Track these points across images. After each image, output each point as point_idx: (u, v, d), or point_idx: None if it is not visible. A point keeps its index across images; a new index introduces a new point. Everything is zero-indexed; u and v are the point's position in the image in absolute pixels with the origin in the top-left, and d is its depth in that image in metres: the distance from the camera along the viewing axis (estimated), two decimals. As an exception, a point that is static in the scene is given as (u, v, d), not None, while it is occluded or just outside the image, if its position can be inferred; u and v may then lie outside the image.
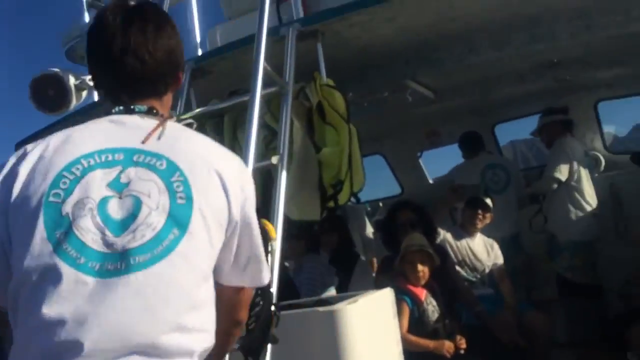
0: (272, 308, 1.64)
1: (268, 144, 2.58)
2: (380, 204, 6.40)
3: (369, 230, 5.39)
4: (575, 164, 4.63)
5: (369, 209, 6.46)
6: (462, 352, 3.10)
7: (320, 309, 2.24)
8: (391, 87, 3.96)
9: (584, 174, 4.69)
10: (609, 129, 5.74)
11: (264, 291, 1.57)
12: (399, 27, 2.92)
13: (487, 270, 4.22)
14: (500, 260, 4.27)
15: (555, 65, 4.31)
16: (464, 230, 4.27)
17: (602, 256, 4.96)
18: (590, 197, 4.71)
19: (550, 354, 3.91)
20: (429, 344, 3.06)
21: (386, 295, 2.56)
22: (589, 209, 4.69)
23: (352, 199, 2.90)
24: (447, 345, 3.05)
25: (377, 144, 6.14)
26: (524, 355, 3.61)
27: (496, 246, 4.31)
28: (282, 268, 4.07)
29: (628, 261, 4.58)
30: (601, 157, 5.41)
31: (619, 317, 3.93)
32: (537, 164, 6.23)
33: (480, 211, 4.22)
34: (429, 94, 4.44)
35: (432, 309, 3.16)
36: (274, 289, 1.79)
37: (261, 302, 1.57)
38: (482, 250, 4.23)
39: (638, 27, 3.25)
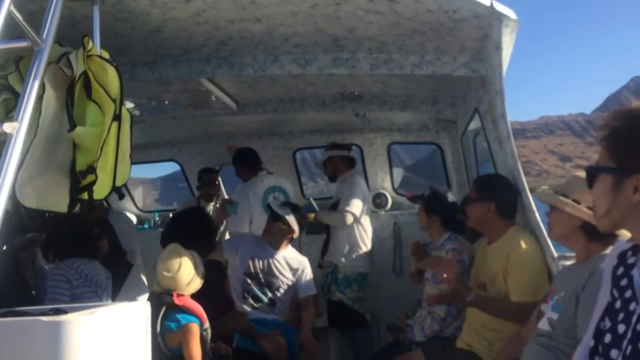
0: None
1: (10, 111, 2.09)
2: (171, 215, 6.00)
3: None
4: (364, 201, 4.86)
5: (157, 218, 6.03)
6: None
7: (44, 318, 1.83)
8: (188, 85, 3.69)
9: (367, 211, 4.96)
10: (398, 171, 6.14)
11: None
12: (197, 13, 2.67)
13: (283, 288, 4.08)
14: (308, 281, 4.18)
15: (355, 98, 4.46)
16: (267, 243, 4.13)
17: (379, 289, 5.21)
18: (370, 233, 4.94)
19: None
20: None
21: (138, 309, 2.22)
22: (370, 243, 4.92)
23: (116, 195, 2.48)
24: None
25: (175, 149, 5.80)
26: None
27: (306, 267, 4.21)
28: (16, 269, 3.52)
29: (401, 297, 4.83)
30: (389, 196, 5.74)
31: (385, 348, 4.03)
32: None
33: (281, 224, 4.10)
34: (231, 103, 4.28)
35: (208, 327, 2.85)
36: None
37: None
38: (285, 267, 4.10)
39: (429, 70, 3.45)
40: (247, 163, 4.99)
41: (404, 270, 5.33)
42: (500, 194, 3.02)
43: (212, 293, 3.16)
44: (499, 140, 3.17)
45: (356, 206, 4.73)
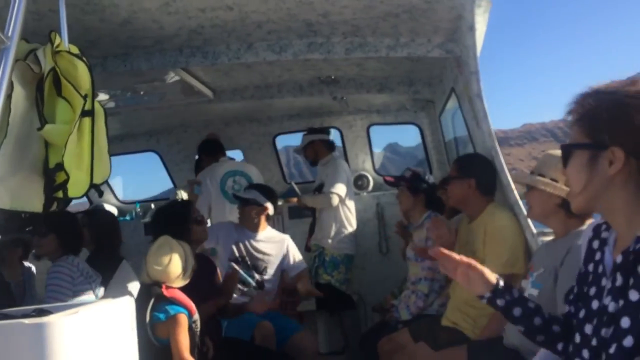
0: None
1: (-23, 111, 2.04)
2: (153, 206, 5.97)
3: None
4: (348, 183, 4.90)
5: (138, 209, 5.98)
6: None
7: (26, 320, 1.81)
8: (163, 75, 3.64)
9: (351, 193, 4.99)
10: (379, 153, 6.16)
11: None
12: (166, 3, 2.62)
13: (271, 268, 4.09)
14: (296, 257, 4.20)
15: (332, 82, 4.44)
16: (245, 227, 4.12)
17: (365, 270, 5.25)
18: (354, 214, 4.98)
19: None
20: None
21: (122, 305, 2.21)
22: (355, 225, 4.96)
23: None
24: None
25: (153, 139, 5.75)
26: None
27: (289, 244, 4.22)
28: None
29: (387, 277, 4.89)
30: (370, 178, 5.76)
31: (372, 329, 4.07)
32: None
33: (254, 207, 4.08)
34: (207, 92, 4.23)
35: (197, 319, 2.86)
36: None
37: None
38: (267, 246, 4.10)
39: (404, 52, 3.45)
40: (210, 151, 4.95)
41: (390, 250, 5.38)
42: (480, 170, 3.06)
43: (204, 285, 3.16)
44: (476, 119, 3.18)
45: (341, 188, 4.77)
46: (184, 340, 2.66)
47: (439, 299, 3.50)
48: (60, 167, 2.05)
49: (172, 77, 3.76)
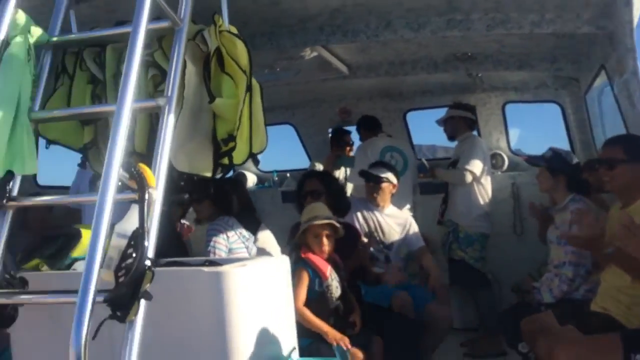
0: (147, 263, 1.47)
1: (157, 85, 2.27)
2: (288, 175, 6.28)
3: None
4: (484, 162, 4.81)
5: (276, 178, 6.32)
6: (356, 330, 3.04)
7: (205, 268, 2.06)
8: (301, 53, 3.78)
9: (487, 171, 4.88)
10: (514, 131, 5.93)
11: (137, 243, 1.46)
12: None
13: (396, 246, 4.19)
14: (417, 234, 4.27)
15: (469, 59, 4.34)
16: (372, 203, 4.23)
17: (499, 250, 5.11)
18: (490, 193, 4.87)
19: (444, 338, 3.90)
20: (322, 326, 2.91)
21: (280, 262, 2.42)
22: (491, 204, 4.86)
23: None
24: (336, 337, 2.90)
25: (288, 113, 6.00)
26: (422, 335, 3.57)
27: (411, 221, 4.30)
28: (171, 226, 3.87)
29: (521, 258, 4.73)
30: (505, 157, 5.57)
31: (512, 309, 3.97)
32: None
33: (371, 184, 4.21)
34: (343, 68, 4.32)
35: (335, 285, 3.04)
36: (150, 242, 1.53)
37: (133, 254, 1.45)
38: (393, 224, 4.21)
39: (549, 29, 3.28)
40: (370, 126, 5.25)
41: (525, 231, 5.19)
42: None
43: (345, 251, 3.34)
44: (630, 99, 2.96)
45: (476, 165, 4.70)
46: (299, 293, 2.89)
47: (586, 284, 3.32)
48: (232, 138, 2.24)
49: (310, 54, 3.90)
